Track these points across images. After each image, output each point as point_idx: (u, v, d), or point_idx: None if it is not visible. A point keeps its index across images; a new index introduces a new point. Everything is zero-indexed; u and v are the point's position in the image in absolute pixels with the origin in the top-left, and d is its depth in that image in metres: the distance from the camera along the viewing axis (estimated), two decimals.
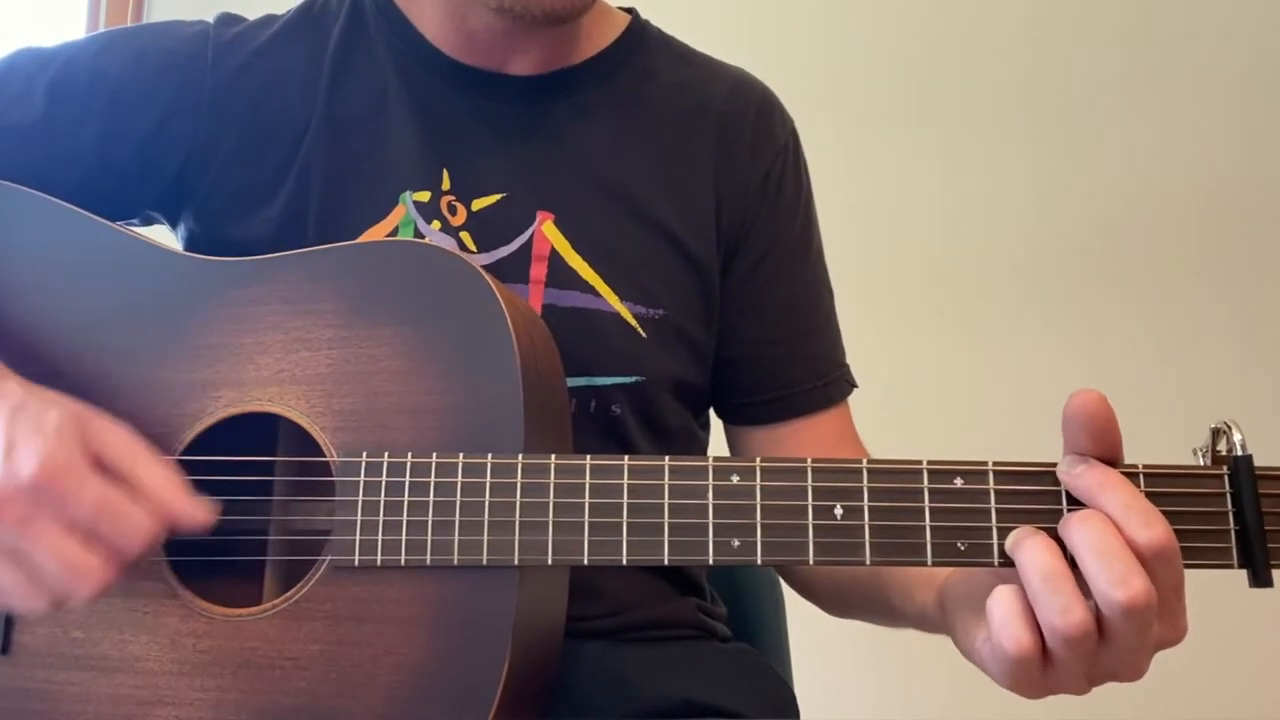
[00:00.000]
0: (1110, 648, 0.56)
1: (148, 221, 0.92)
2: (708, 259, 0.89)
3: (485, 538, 0.65)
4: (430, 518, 0.66)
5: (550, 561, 0.64)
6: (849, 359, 0.97)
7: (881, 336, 1.80)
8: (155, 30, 0.90)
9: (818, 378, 0.93)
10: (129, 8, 2.09)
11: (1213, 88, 1.82)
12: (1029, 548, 0.57)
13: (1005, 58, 1.91)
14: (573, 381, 0.83)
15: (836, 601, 0.91)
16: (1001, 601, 0.57)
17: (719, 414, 0.97)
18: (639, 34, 0.95)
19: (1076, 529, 0.57)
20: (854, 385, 0.96)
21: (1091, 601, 0.56)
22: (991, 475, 0.60)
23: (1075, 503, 0.59)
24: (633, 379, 0.85)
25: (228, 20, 0.90)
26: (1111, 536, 0.56)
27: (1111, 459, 0.59)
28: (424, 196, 0.85)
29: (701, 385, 0.92)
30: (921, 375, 1.84)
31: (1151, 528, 0.56)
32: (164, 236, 0.85)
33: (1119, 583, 0.55)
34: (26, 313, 0.76)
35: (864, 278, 1.75)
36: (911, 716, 1.74)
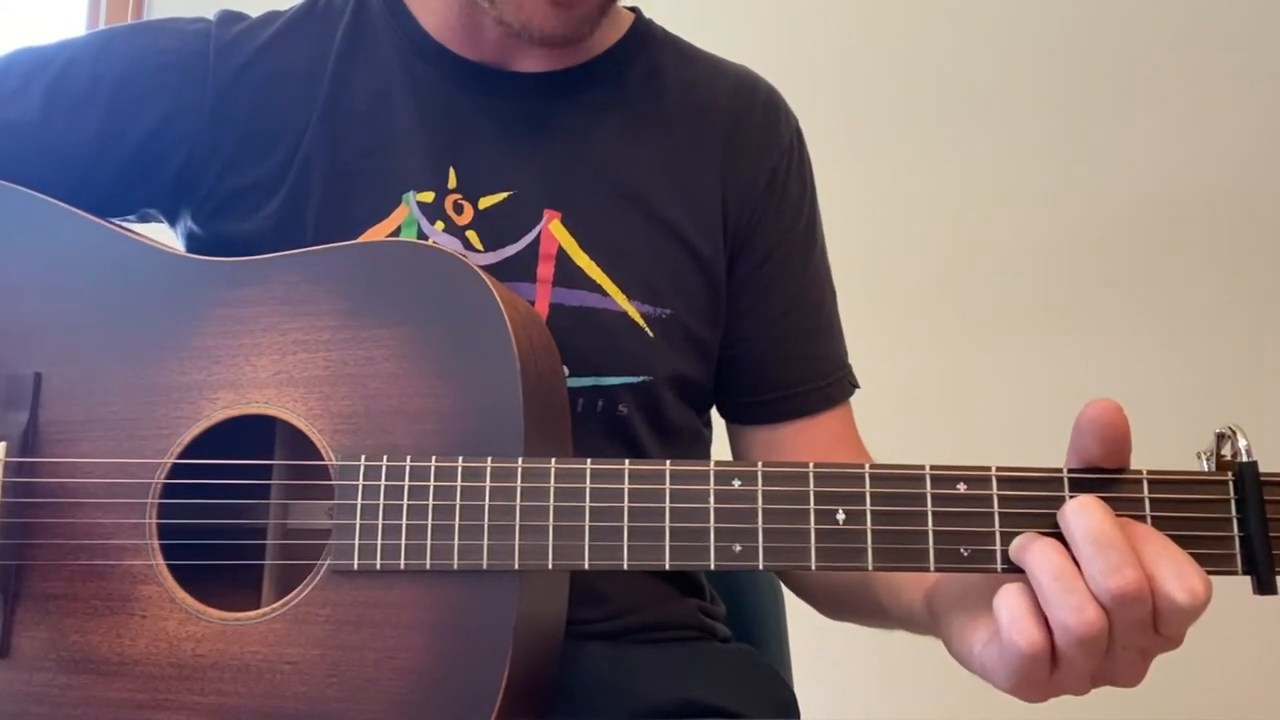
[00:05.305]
0: (1110, 644, 0.56)
1: (145, 219, 0.91)
2: (714, 258, 0.89)
3: (485, 542, 0.64)
4: (430, 521, 0.65)
5: (551, 566, 0.64)
6: (854, 360, 0.96)
7: (887, 337, 1.80)
8: (156, 28, 0.90)
9: (820, 378, 0.92)
10: (129, 5, 2.09)
11: (1221, 91, 1.81)
12: (1037, 550, 0.57)
13: (1013, 58, 1.90)
14: (580, 381, 0.82)
15: (831, 604, 0.91)
16: (1010, 599, 0.57)
17: (721, 412, 0.96)
18: (644, 32, 0.94)
19: (1074, 516, 0.57)
20: (856, 386, 0.95)
21: None
22: (995, 481, 0.60)
23: None
24: (640, 379, 0.85)
25: (229, 18, 0.90)
26: (1108, 525, 0.56)
27: (1117, 468, 0.59)
28: (428, 197, 0.85)
29: (706, 384, 0.91)
30: (926, 376, 1.84)
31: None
32: (162, 234, 0.84)
33: (1113, 571, 0.54)
34: (20, 313, 0.76)
35: (869, 278, 1.75)
36: (911, 716, 1.74)
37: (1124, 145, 1.84)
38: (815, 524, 0.61)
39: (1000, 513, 0.60)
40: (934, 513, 0.60)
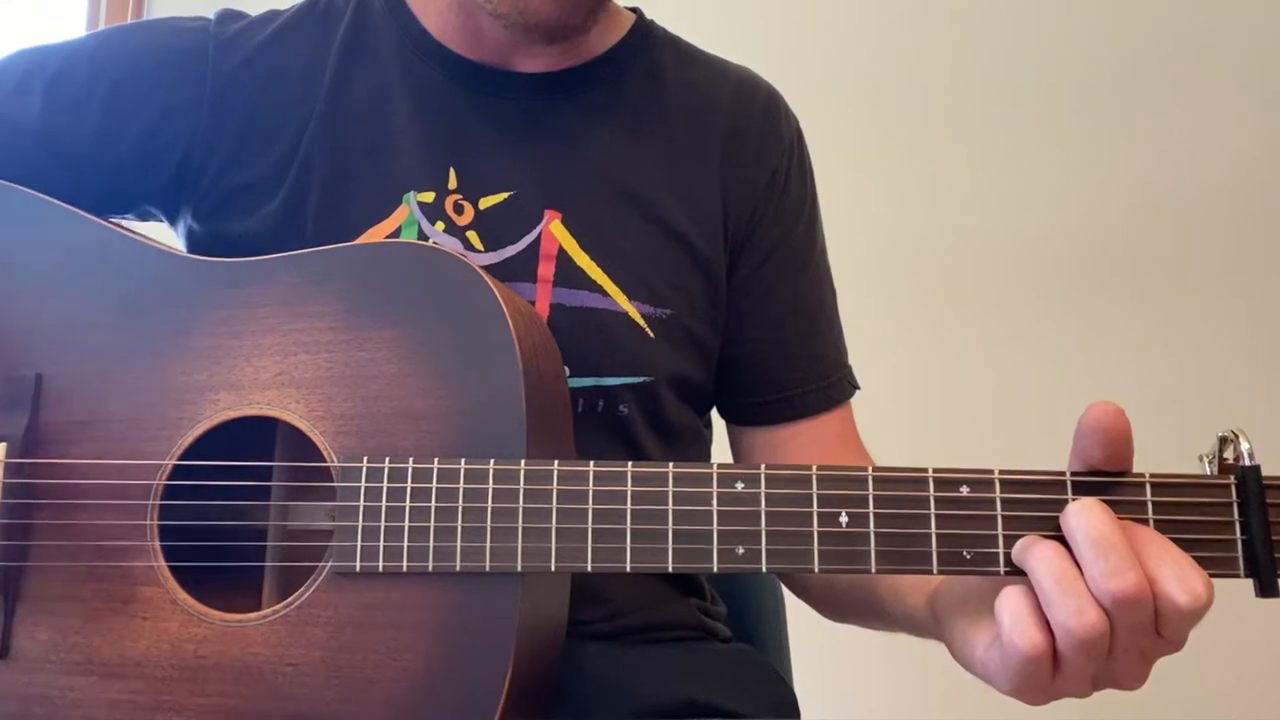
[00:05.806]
0: (1111, 647, 0.56)
1: (145, 217, 0.91)
2: (715, 258, 0.89)
3: (488, 544, 0.64)
4: (432, 523, 0.65)
5: (554, 568, 0.64)
6: (854, 360, 0.96)
7: (888, 338, 1.80)
8: (155, 26, 0.90)
9: (820, 379, 0.92)
10: (129, 5, 2.09)
11: (1224, 92, 1.81)
12: (1038, 553, 0.57)
13: (1017, 59, 1.90)
14: (580, 381, 0.82)
15: (831, 605, 0.91)
16: (1011, 601, 0.57)
17: (721, 413, 0.96)
18: (645, 33, 0.94)
19: (1075, 518, 0.57)
20: (856, 387, 0.95)
21: None
22: (998, 484, 0.60)
23: None
24: (640, 379, 0.85)
25: (229, 16, 0.90)
26: (1109, 527, 0.56)
27: (1120, 470, 0.59)
28: (428, 197, 0.84)
29: (707, 384, 0.91)
30: (928, 378, 1.84)
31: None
32: (163, 234, 0.84)
33: (1113, 573, 0.54)
34: (20, 313, 0.76)
35: (870, 278, 1.75)
36: (911, 717, 1.74)
37: (1126, 145, 1.84)
38: (818, 526, 0.61)
39: (1003, 515, 0.60)
40: (937, 515, 0.60)
